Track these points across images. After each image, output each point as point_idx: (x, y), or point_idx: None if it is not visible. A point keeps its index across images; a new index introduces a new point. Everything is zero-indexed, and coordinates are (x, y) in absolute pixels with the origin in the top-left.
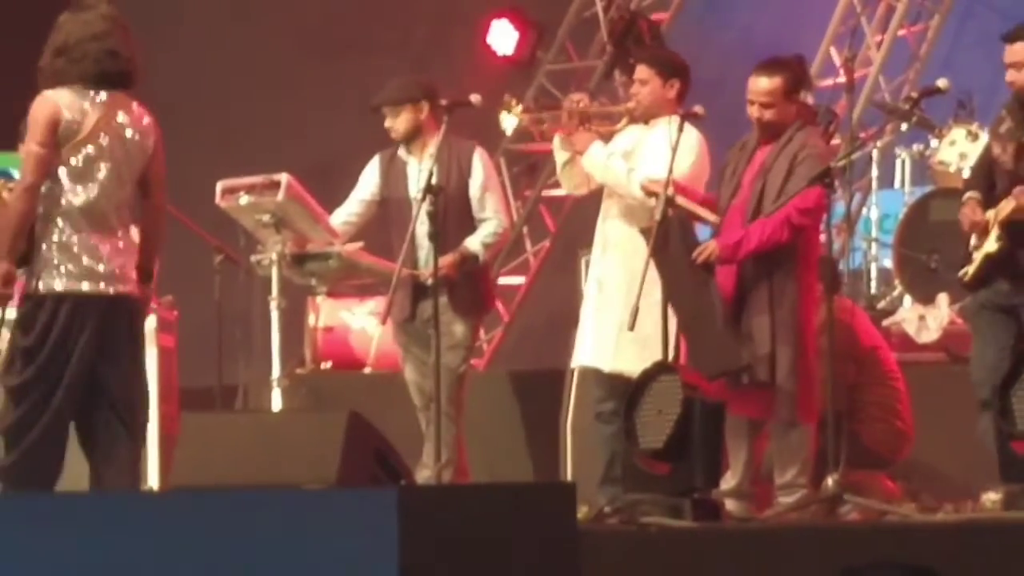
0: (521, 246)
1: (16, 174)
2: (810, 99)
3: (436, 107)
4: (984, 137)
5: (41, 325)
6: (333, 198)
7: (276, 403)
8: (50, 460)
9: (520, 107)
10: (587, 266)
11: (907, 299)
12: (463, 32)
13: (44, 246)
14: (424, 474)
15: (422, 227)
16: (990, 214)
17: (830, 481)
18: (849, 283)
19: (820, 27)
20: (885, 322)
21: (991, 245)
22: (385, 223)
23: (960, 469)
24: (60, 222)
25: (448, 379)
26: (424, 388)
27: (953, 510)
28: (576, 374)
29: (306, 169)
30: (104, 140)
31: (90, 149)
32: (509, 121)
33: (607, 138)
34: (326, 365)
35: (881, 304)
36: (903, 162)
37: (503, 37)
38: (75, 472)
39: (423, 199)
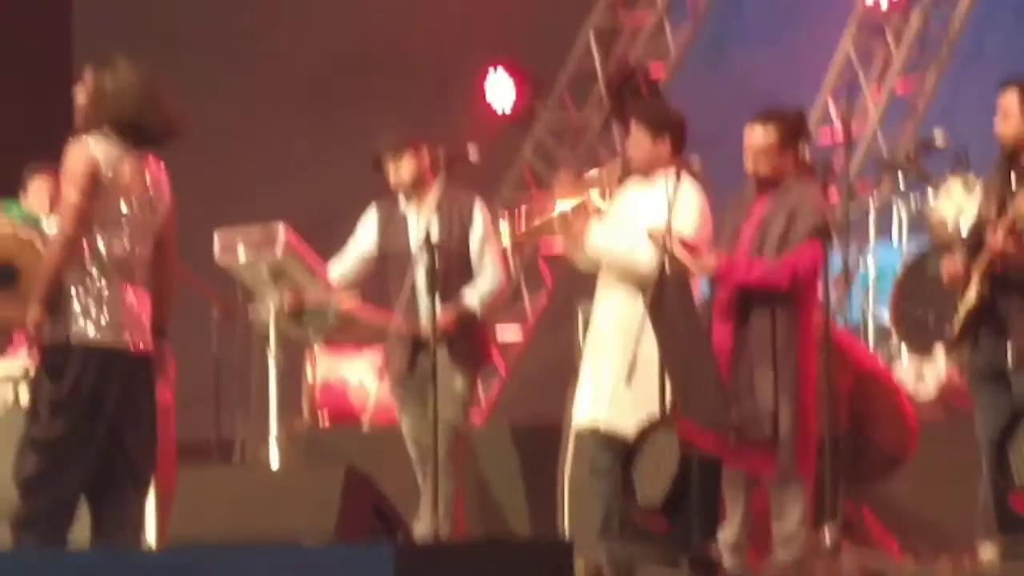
0: (519, 300)
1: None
2: (807, 152)
3: (434, 157)
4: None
5: (72, 376)
6: (330, 250)
7: (274, 458)
8: (69, 514)
9: (508, 231)
10: (585, 320)
11: (905, 354)
12: (461, 85)
13: (74, 296)
14: (421, 529)
15: (420, 281)
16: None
17: (827, 533)
18: None
19: (818, 81)
20: None
21: (971, 296)
22: (383, 275)
23: (958, 523)
24: (92, 273)
25: (447, 433)
26: (422, 442)
27: (951, 563)
28: (574, 430)
29: (303, 220)
30: (134, 195)
31: (122, 203)
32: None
33: (610, 196)
34: (324, 420)
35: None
36: (900, 216)
37: (501, 90)
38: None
39: (420, 254)
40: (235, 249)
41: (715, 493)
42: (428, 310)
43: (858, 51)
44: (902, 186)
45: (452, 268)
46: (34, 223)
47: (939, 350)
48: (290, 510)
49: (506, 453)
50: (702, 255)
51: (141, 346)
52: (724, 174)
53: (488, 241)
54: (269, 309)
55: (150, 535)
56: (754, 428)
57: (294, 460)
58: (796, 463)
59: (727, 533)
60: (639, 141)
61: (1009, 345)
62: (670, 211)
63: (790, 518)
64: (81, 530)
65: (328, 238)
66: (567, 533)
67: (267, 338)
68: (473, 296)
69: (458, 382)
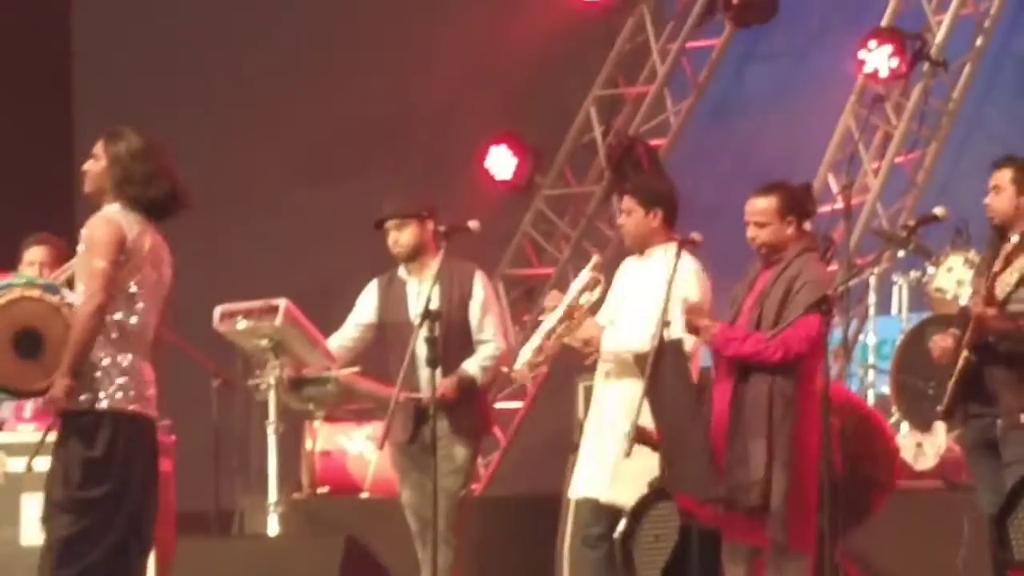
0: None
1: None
2: (808, 225)
3: (436, 229)
4: None
5: (105, 439)
6: (330, 321)
7: (273, 528)
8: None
9: (518, 370)
10: (585, 392)
11: (904, 426)
12: (460, 156)
13: (102, 364)
14: None
15: (421, 351)
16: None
17: None
18: None
19: (818, 153)
20: None
21: (960, 366)
22: (383, 346)
23: None
24: (116, 343)
25: (447, 503)
26: (421, 512)
27: None
28: (573, 502)
29: (303, 292)
30: (149, 267)
31: (140, 274)
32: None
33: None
34: (323, 490)
35: None
36: (900, 289)
37: (501, 162)
38: None
39: (421, 324)
40: (235, 319)
41: (715, 565)
42: (428, 380)
43: (858, 123)
44: (902, 259)
45: (452, 338)
46: (53, 290)
47: (939, 424)
48: None
49: (505, 523)
50: (705, 319)
51: (154, 414)
52: (724, 245)
53: (488, 311)
54: (269, 380)
55: None
56: (742, 496)
57: (293, 530)
58: (791, 536)
59: None
60: (631, 215)
61: (1000, 416)
62: (670, 285)
63: None
64: None
65: (327, 311)
66: None
67: (267, 409)
68: (473, 364)
69: (459, 452)
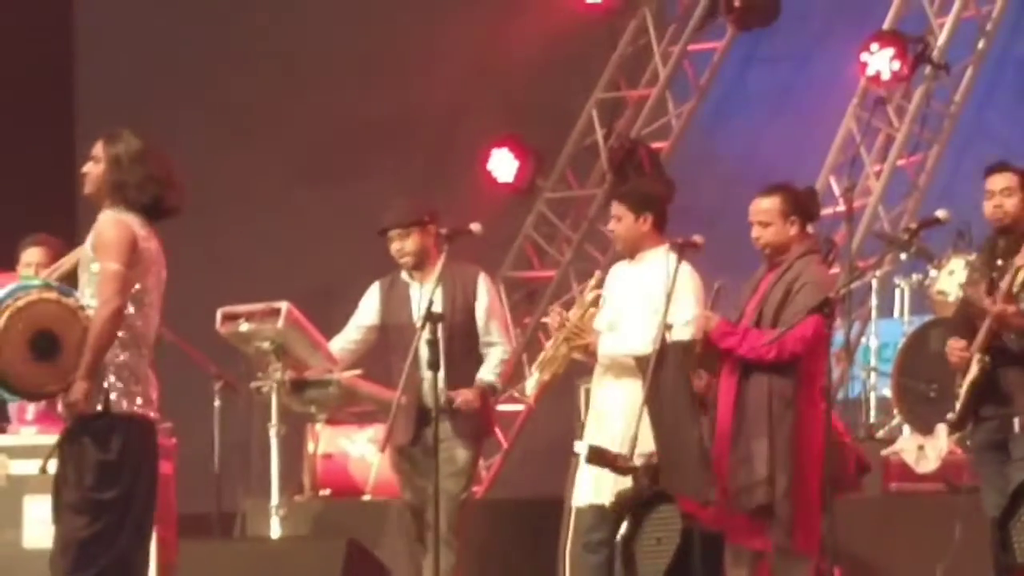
0: (520, 373)
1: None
2: (811, 228)
3: (437, 232)
4: None
5: (119, 443)
6: (332, 324)
7: (275, 530)
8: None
9: (535, 381)
10: (586, 394)
11: (906, 428)
12: (462, 158)
13: (112, 368)
14: None
15: (423, 353)
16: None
17: None
18: (848, 412)
19: (820, 156)
20: (884, 451)
21: (973, 371)
22: (385, 348)
23: None
24: (127, 345)
25: (449, 506)
26: (423, 515)
27: None
28: (575, 509)
29: (305, 295)
30: (153, 269)
31: (147, 277)
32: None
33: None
34: (325, 492)
35: (880, 433)
36: (902, 291)
37: (503, 165)
38: None
39: (423, 327)
40: (237, 321)
41: (717, 568)
42: (430, 382)
43: (860, 126)
44: (904, 262)
45: (455, 340)
46: (68, 293)
47: (941, 426)
48: None
49: (507, 526)
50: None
51: (154, 415)
52: (725, 248)
53: (493, 314)
54: (271, 383)
55: None
56: (746, 497)
57: (295, 532)
58: (795, 537)
59: None
60: (622, 221)
61: (1015, 416)
62: (671, 289)
63: None
64: None
65: (329, 313)
66: None
67: (269, 411)
68: (488, 372)
69: (461, 455)
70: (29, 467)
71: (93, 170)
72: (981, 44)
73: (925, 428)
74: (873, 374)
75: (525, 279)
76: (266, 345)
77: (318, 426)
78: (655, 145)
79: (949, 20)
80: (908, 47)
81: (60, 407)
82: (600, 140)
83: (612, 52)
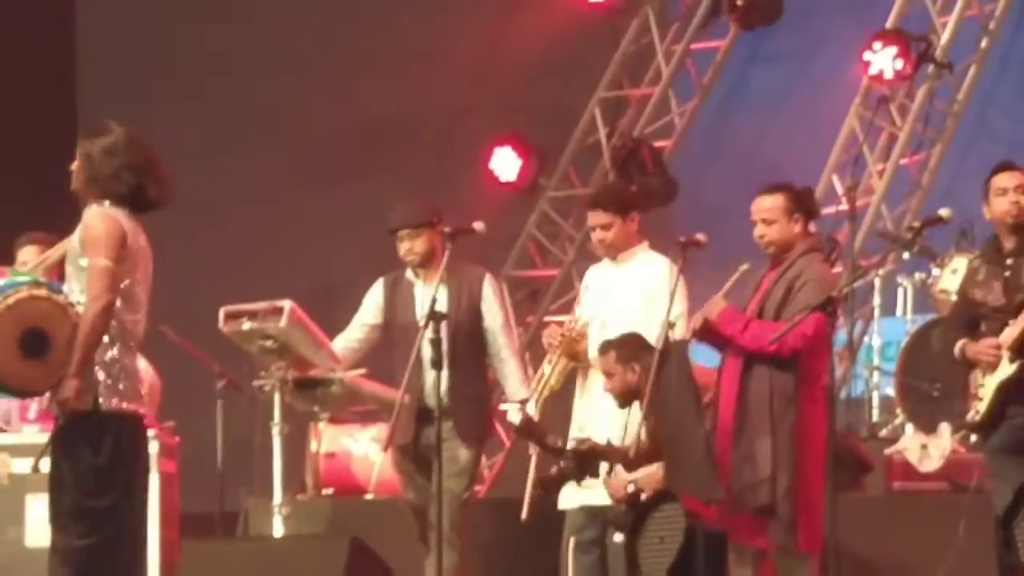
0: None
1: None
2: (813, 227)
3: (441, 231)
4: None
5: (110, 443)
6: (334, 323)
7: (277, 529)
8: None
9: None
10: None
11: (909, 427)
12: (465, 157)
13: (102, 364)
14: None
15: (427, 352)
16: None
17: None
18: (851, 411)
19: (822, 155)
20: (887, 450)
21: (1005, 371)
22: (389, 347)
23: None
24: (115, 341)
25: (451, 505)
26: (425, 514)
27: None
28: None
29: (308, 293)
30: (141, 264)
31: (135, 272)
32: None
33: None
34: (328, 491)
35: (883, 432)
36: (905, 290)
37: (506, 164)
38: None
39: (425, 326)
40: (239, 320)
41: (720, 567)
42: (434, 382)
43: (863, 125)
44: (907, 260)
45: (459, 339)
46: (59, 290)
47: (944, 425)
48: None
49: (509, 525)
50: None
51: (143, 410)
52: (729, 246)
53: (506, 326)
54: (274, 382)
55: None
56: (750, 496)
57: (298, 531)
58: (799, 538)
59: None
60: (611, 228)
61: None
62: (675, 288)
63: None
64: None
65: (332, 312)
66: None
67: (271, 410)
68: (520, 389)
69: (463, 454)
70: (31, 466)
71: (76, 167)
72: (984, 43)
73: (928, 427)
74: (876, 373)
75: (528, 278)
76: (269, 344)
77: (321, 425)
78: (658, 144)
79: (952, 19)
80: (911, 46)
81: (48, 403)
82: (603, 139)
83: (615, 51)
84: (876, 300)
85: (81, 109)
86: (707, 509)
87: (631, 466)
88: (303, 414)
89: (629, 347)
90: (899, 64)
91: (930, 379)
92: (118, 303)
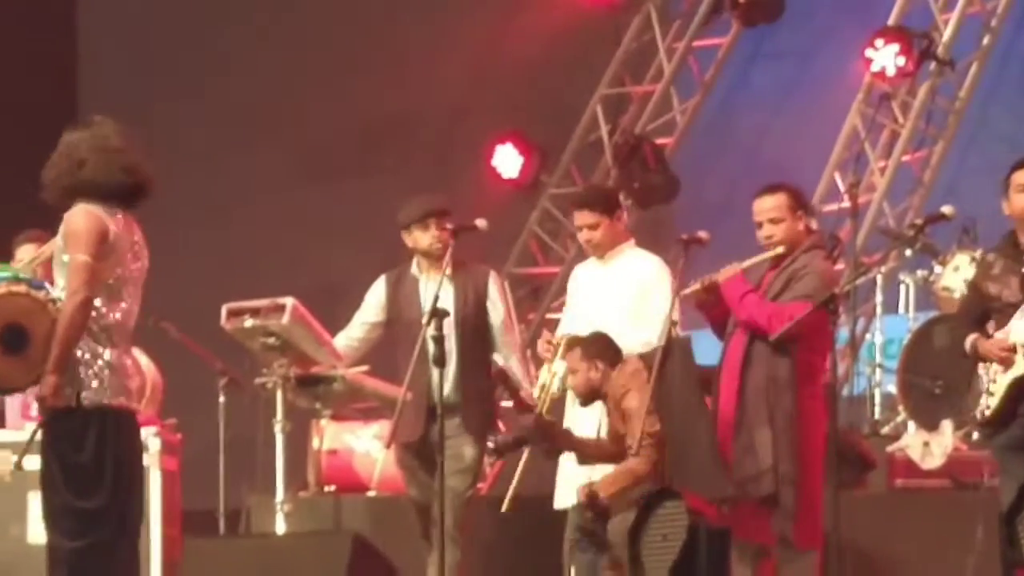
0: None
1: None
2: (814, 224)
3: (445, 229)
4: None
5: (93, 441)
6: (335, 321)
7: (280, 526)
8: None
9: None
10: None
11: (911, 425)
12: (467, 154)
13: (83, 360)
14: None
15: (430, 349)
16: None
17: None
18: (853, 408)
19: (824, 152)
20: (889, 448)
21: (1020, 369)
22: (392, 344)
23: None
24: (98, 338)
25: (455, 502)
26: (428, 511)
27: None
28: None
29: (310, 290)
30: (127, 259)
31: (120, 267)
32: None
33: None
34: (330, 488)
35: (885, 429)
36: (907, 288)
37: (508, 161)
38: None
39: (428, 322)
40: (241, 317)
41: (723, 564)
42: (437, 378)
43: (865, 122)
44: (909, 258)
45: (464, 337)
46: (39, 286)
47: (946, 422)
48: None
49: (512, 522)
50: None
51: (137, 407)
52: (731, 243)
53: (510, 325)
54: (276, 379)
55: None
56: (752, 487)
57: (300, 528)
58: (800, 533)
59: None
60: (599, 228)
61: None
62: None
63: None
64: None
65: (334, 309)
66: None
67: (274, 407)
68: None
69: (467, 452)
70: (34, 463)
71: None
72: (986, 40)
73: (930, 424)
74: (878, 370)
75: (529, 275)
76: (271, 341)
77: (323, 422)
78: (659, 141)
79: (954, 16)
80: (913, 43)
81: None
82: (605, 136)
83: (616, 48)
84: (878, 297)
85: (81, 109)
86: (710, 507)
87: (583, 459)
88: (305, 411)
89: (595, 345)
90: (901, 61)
91: (932, 376)
92: (100, 299)
